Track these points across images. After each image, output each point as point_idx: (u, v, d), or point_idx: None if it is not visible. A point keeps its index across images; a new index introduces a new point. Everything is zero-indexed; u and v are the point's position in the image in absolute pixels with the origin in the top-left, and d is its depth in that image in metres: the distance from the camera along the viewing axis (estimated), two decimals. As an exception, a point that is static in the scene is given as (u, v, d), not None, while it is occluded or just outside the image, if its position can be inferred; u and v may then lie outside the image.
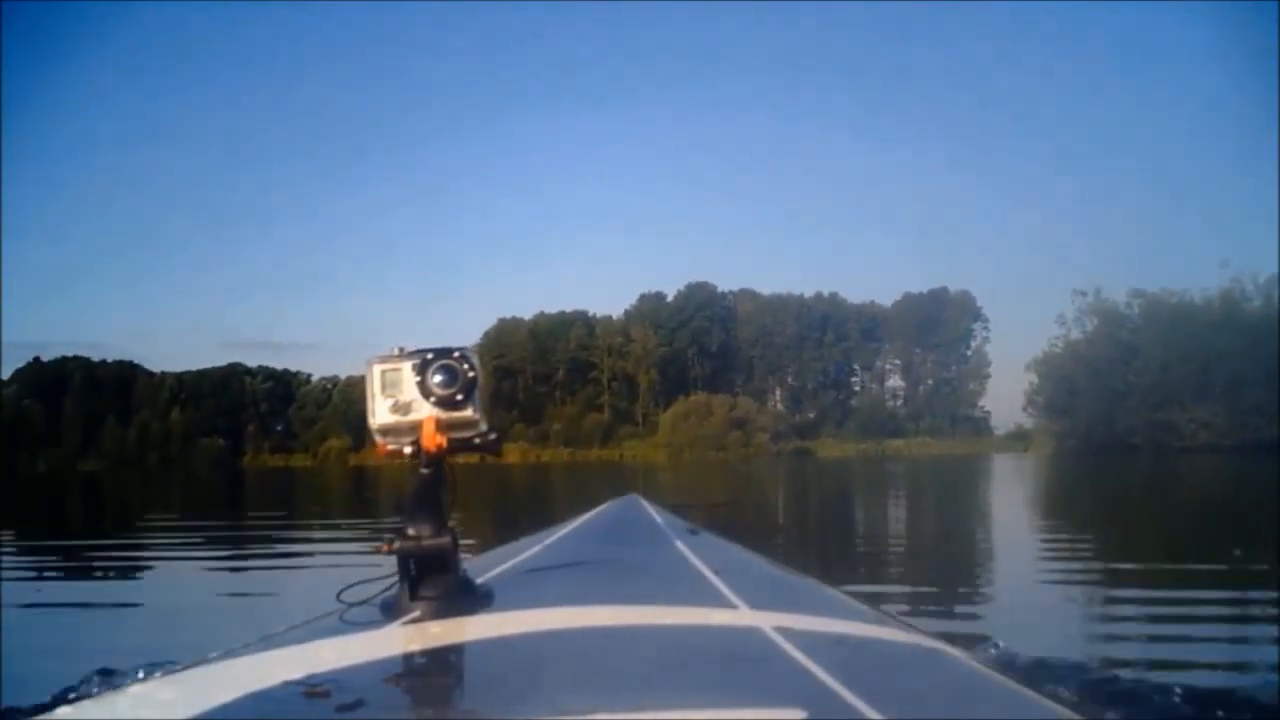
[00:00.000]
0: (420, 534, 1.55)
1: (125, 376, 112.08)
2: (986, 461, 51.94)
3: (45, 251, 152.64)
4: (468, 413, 1.61)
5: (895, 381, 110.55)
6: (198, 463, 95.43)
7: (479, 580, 1.74)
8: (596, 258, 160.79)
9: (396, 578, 1.57)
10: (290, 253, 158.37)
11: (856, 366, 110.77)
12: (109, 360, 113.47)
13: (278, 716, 1.14)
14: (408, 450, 1.61)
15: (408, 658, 1.39)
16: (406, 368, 1.60)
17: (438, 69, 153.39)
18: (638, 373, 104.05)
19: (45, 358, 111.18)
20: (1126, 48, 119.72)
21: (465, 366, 1.59)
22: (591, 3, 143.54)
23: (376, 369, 1.60)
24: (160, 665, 1.41)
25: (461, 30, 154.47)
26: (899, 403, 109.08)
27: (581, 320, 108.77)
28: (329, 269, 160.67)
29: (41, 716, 1.19)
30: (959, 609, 5.76)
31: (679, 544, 2.53)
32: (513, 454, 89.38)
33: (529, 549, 2.45)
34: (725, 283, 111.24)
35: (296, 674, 1.24)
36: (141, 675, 1.37)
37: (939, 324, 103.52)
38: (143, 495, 30.09)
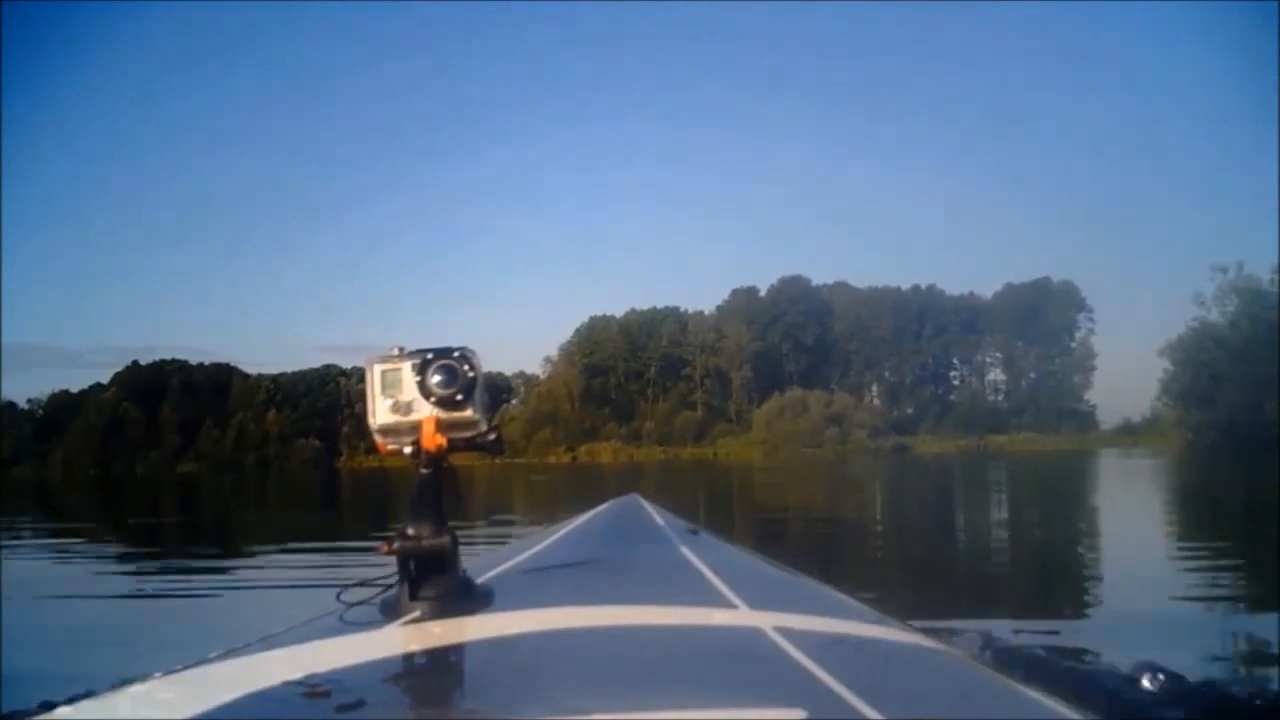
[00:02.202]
0: (420, 534, 1.55)
1: (222, 379, 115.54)
2: (1096, 458, 46.61)
3: (142, 258, 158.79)
4: (468, 413, 1.61)
5: (996, 375, 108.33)
6: (294, 464, 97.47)
7: (479, 580, 1.74)
8: (687, 253, 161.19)
9: (396, 578, 1.58)
10: (375, 254, 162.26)
11: (956, 360, 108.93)
12: (206, 364, 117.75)
13: (278, 716, 1.14)
14: (407, 450, 1.62)
15: (408, 658, 1.39)
16: (406, 368, 1.60)
17: (518, 62, 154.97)
18: (731, 369, 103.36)
19: (143, 361, 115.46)
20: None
21: (465, 366, 1.59)
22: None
23: (376, 369, 1.61)
24: (160, 665, 1.43)
25: (541, 25, 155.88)
26: (1000, 397, 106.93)
27: (673, 316, 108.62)
28: (417, 270, 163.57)
29: (42, 716, 1.22)
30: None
31: (679, 544, 2.52)
32: (605, 453, 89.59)
33: (529, 549, 2.45)
34: (819, 276, 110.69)
35: (296, 674, 1.25)
36: (142, 675, 1.39)
37: (1042, 315, 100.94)
38: (240, 498, 30.87)
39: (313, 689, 1.18)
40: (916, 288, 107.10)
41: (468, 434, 1.63)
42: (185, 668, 1.41)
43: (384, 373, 1.61)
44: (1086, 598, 7.15)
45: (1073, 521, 13.90)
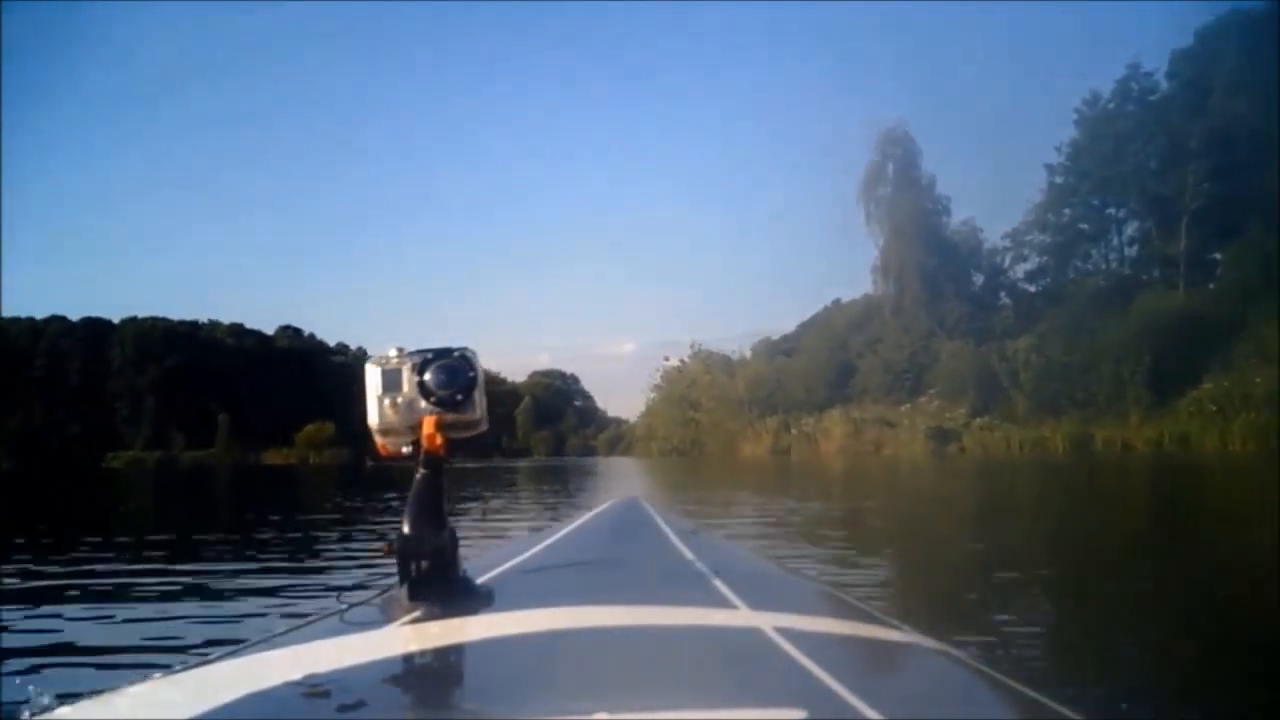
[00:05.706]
0: (420, 534, 1.55)
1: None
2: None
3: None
4: (468, 413, 1.61)
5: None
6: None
7: (479, 580, 1.74)
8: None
9: (396, 578, 1.58)
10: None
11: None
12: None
13: (278, 716, 1.14)
14: (406, 450, 1.62)
15: (408, 658, 1.39)
16: (406, 368, 1.60)
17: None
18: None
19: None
20: None
21: (465, 366, 1.60)
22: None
23: (376, 369, 1.61)
24: (160, 665, 1.42)
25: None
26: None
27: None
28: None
29: (41, 716, 1.22)
30: None
31: (679, 544, 2.49)
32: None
33: (529, 549, 2.43)
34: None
35: (296, 674, 1.24)
36: (142, 675, 1.38)
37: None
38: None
39: (313, 689, 1.18)
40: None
41: (467, 434, 1.63)
42: (185, 668, 1.40)
43: (384, 373, 1.61)
44: None
45: None
